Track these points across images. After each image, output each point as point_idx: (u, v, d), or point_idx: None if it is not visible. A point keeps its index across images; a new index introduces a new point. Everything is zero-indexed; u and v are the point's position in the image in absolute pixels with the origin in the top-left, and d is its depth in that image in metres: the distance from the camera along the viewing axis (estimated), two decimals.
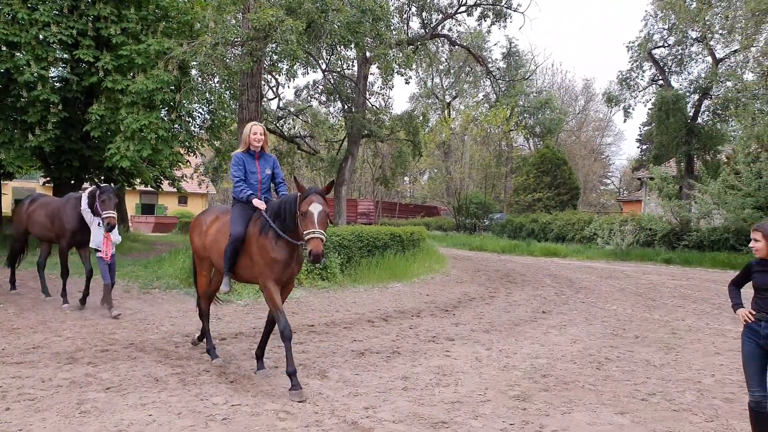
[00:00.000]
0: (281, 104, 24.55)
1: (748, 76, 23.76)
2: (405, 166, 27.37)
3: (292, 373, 5.40)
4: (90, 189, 8.90)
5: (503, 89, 30.23)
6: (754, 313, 3.86)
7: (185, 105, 15.80)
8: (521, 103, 41.28)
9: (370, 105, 23.35)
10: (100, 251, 8.77)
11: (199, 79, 18.16)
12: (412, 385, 5.85)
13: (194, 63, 15.11)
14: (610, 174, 60.90)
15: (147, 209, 43.45)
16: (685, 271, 19.48)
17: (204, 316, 6.83)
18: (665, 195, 25.10)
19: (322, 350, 7.27)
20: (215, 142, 20.09)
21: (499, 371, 6.54)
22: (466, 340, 8.09)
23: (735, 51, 26.04)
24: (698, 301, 12.36)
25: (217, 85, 19.22)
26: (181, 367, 6.21)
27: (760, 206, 20.18)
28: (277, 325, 5.50)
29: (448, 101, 46.06)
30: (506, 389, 5.82)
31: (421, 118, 25.25)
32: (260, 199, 5.91)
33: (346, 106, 23.12)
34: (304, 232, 5.13)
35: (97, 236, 8.85)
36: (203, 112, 19.72)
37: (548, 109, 42.25)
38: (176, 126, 16.13)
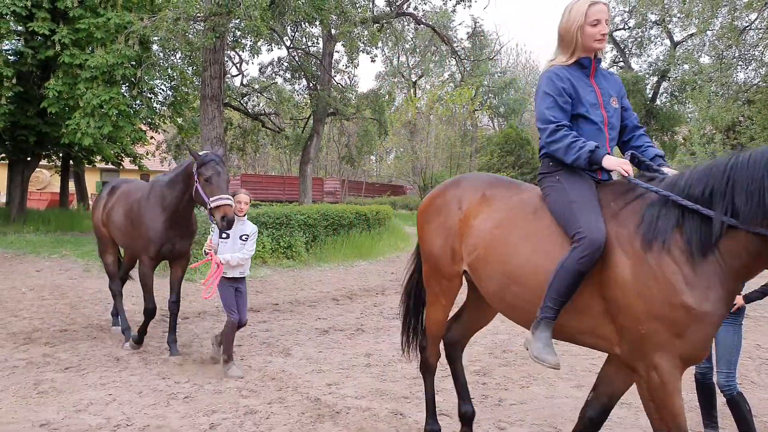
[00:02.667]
0: (245, 81, 24.08)
1: (704, 60, 24.42)
2: (371, 145, 27.29)
3: None
4: (185, 164, 5.72)
5: (468, 69, 30.28)
6: None
7: (147, 81, 15.34)
8: (486, 83, 41.46)
9: (335, 83, 23.08)
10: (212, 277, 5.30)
11: (161, 54, 17.63)
12: (375, 362, 5.94)
13: (155, 38, 14.65)
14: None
15: None
16: None
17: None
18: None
19: (286, 328, 7.29)
20: (178, 119, 19.63)
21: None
22: None
23: (692, 35, 26.69)
24: None
25: (180, 60, 18.70)
26: (143, 347, 6.15)
27: None
28: None
29: (414, 80, 45.89)
30: (467, 364, 5.95)
31: (387, 96, 25.12)
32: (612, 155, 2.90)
33: (311, 84, 22.82)
34: None
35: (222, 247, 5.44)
36: (165, 89, 19.19)
37: (512, 90, 42.58)
38: (138, 102, 15.69)
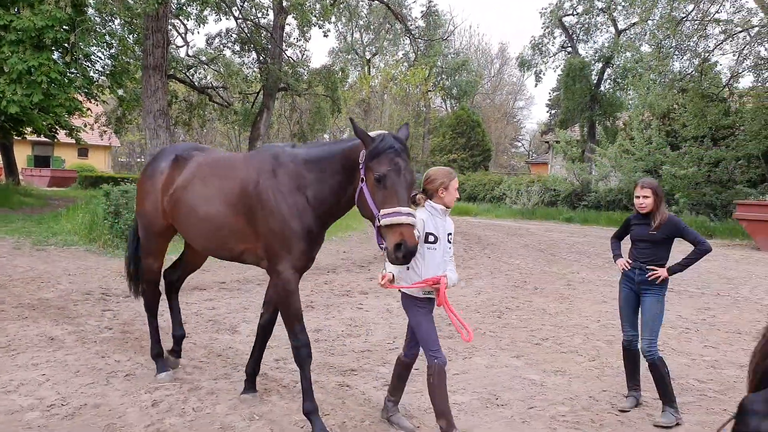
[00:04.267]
0: (191, 52, 23.22)
1: (645, 48, 25.31)
2: (324, 122, 27.00)
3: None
4: (346, 143, 3.65)
5: (422, 49, 30.29)
6: (630, 262, 4.27)
7: (81, 47, 14.48)
8: (439, 64, 41.60)
9: (287, 57, 22.59)
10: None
11: (98, 19, 16.70)
12: (323, 337, 5.98)
13: (91, 1, 13.86)
14: (520, 137, 63.36)
15: (41, 161, 40.14)
16: (584, 228, 20.97)
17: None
18: (569, 158, 26.65)
19: (233, 306, 7.21)
20: (118, 90, 18.76)
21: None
22: (378, 294, 8.32)
23: (635, 23, 27.60)
24: (592, 256, 13.38)
25: (119, 27, 17.81)
26: (80, 326, 5.95)
27: (649, 170, 21.92)
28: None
29: (368, 58, 45.54)
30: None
31: (340, 73, 24.84)
32: None
33: (261, 57, 22.26)
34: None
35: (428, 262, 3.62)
36: (103, 57, 18.27)
37: (465, 72, 42.91)
38: (72, 70, 14.84)
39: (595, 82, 29.54)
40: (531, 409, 4.26)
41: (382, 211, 3.14)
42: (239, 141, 41.52)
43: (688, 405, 4.40)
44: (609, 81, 30.00)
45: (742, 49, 19.23)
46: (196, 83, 23.69)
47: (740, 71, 20.01)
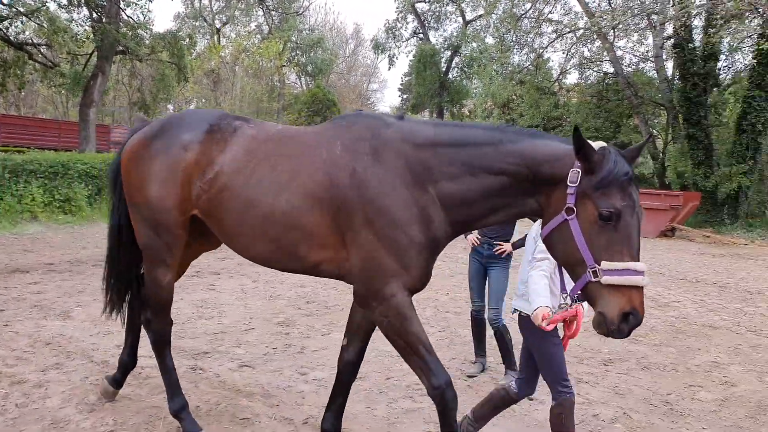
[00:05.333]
0: (5, 0, 20.04)
1: (489, 40, 27.21)
2: (168, 91, 25.04)
3: None
4: (522, 140, 2.63)
5: (276, 22, 29.44)
6: (479, 238, 4.58)
7: None
8: (294, 39, 40.74)
9: (125, 17, 20.51)
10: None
11: None
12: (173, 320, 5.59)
13: None
14: None
15: None
16: None
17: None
18: None
19: (65, 290, 6.47)
20: None
21: (264, 301, 6.66)
22: (232, 274, 8.00)
23: (480, 16, 29.49)
24: None
25: None
26: None
27: None
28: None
29: (218, 27, 43.09)
30: (271, 317, 5.97)
31: (187, 40, 23.17)
32: None
33: (95, 15, 19.95)
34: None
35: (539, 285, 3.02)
36: None
37: (320, 49, 42.53)
38: None
39: (444, 69, 31.13)
40: (388, 380, 4.40)
41: (606, 264, 2.23)
42: (67, 107, 37.07)
43: None
44: (457, 69, 31.83)
45: (570, 48, 21.51)
46: (12, 38, 20.55)
47: (568, 68, 22.40)
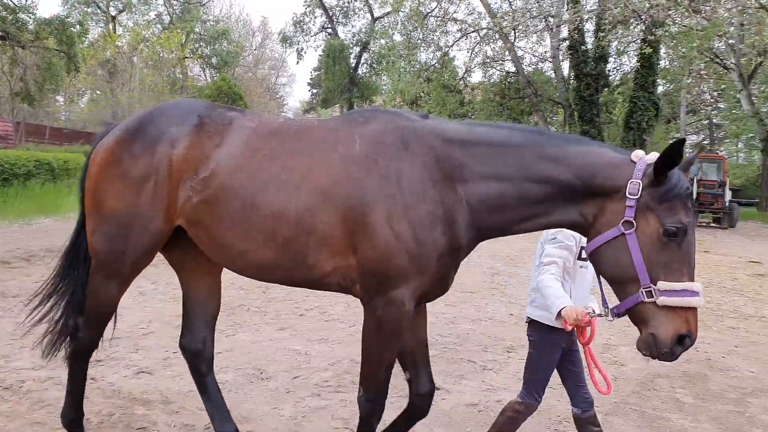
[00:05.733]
0: None
1: (397, 37, 27.56)
2: (57, 81, 23.17)
3: None
4: (577, 150, 2.45)
5: (178, 12, 28.10)
6: None
7: None
8: (197, 30, 39.16)
9: (5, 0, 18.71)
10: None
11: None
12: None
13: None
14: (283, 114, 63.75)
15: None
16: None
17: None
18: None
19: None
20: None
21: (165, 303, 6.32)
22: None
23: (388, 13, 29.79)
24: None
25: None
26: None
27: None
28: None
29: (113, 14, 40.45)
30: (171, 320, 5.66)
31: (78, 27, 21.56)
32: None
33: None
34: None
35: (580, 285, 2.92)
36: None
37: (225, 41, 41.20)
38: None
39: (353, 65, 31.17)
40: (296, 379, 4.31)
41: (663, 285, 2.10)
42: None
43: (433, 357, 4.93)
44: (366, 65, 31.98)
45: (474, 47, 22.26)
46: None
47: (472, 67, 23.18)
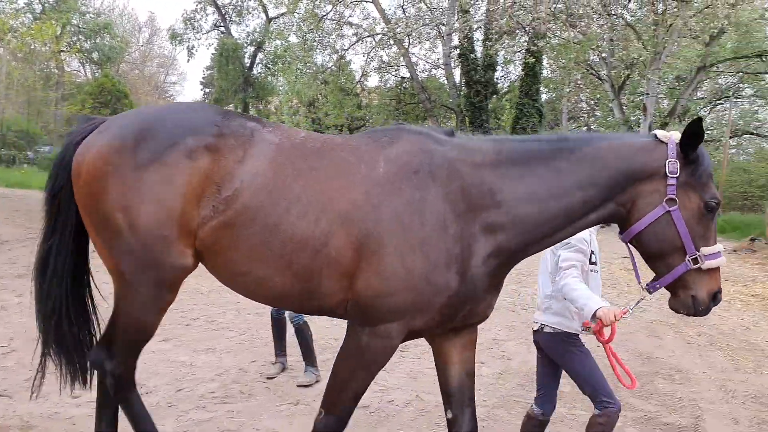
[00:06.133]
0: None
1: (293, 38, 27.22)
2: None
3: None
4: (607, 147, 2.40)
5: (51, 1, 25.84)
6: None
7: None
8: (75, 22, 36.23)
9: None
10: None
11: None
12: None
13: None
14: None
15: None
16: None
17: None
18: None
19: None
20: None
21: (30, 318, 5.68)
22: None
23: (283, 13, 29.35)
24: None
25: None
26: None
27: None
28: None
29: None
30: (37, 336, 5.12)
31: None
32: None
33: None
34: None
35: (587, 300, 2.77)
36: None
37: (108, 35, 38.47)
38: None
39: (248, 65, 30.33)
40: (179, 392, 4.04)
41: (705, 250, 2.28)
42: None
43: (328, 362, 4.86)
44: (261, 65, 31.26)
45: (370, 52, 22.49)
46: None
47: (368, 71, 23.40)
